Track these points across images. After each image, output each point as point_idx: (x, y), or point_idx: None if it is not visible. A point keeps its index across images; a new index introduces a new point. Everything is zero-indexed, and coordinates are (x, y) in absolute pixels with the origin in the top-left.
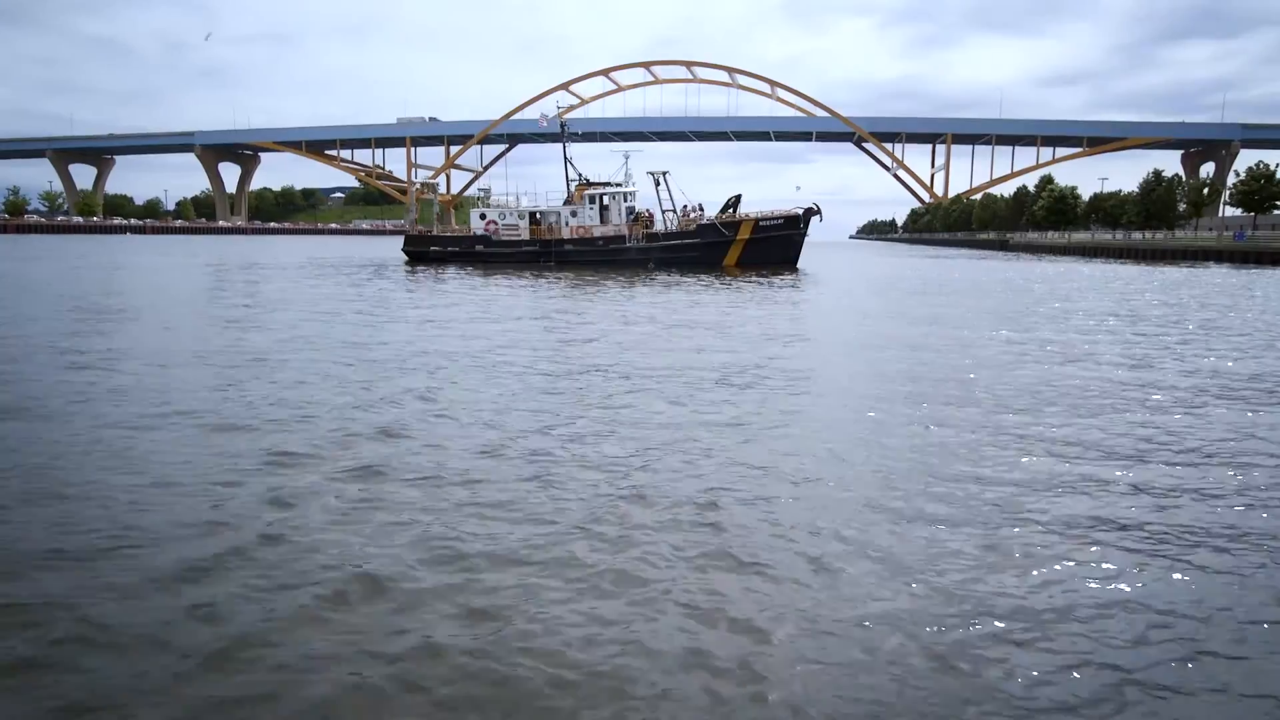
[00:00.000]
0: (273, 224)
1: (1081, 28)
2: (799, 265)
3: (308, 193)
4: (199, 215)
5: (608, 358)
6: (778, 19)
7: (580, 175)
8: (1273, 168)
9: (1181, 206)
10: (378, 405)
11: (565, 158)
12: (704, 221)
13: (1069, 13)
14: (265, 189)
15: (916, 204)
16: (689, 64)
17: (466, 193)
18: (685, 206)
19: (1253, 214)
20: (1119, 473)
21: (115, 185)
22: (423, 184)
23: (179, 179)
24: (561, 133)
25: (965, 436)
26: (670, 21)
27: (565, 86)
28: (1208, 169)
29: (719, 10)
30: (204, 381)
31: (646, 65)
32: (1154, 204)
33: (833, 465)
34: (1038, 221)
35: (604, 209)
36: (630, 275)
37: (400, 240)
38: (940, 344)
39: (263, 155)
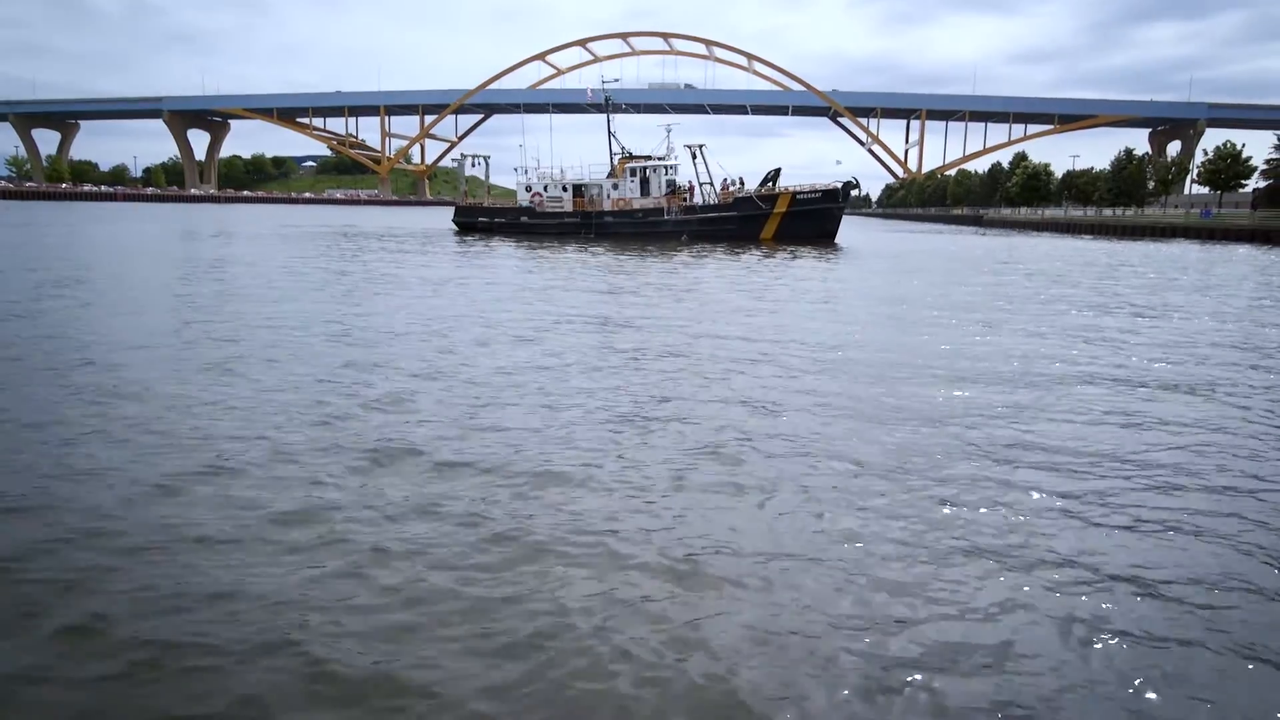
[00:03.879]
0: (245, 192)
1: (1053, 6)
2: (837, 240)
3: (278, 161)
4: (168, 183)
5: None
6: None
7: (624, 148)
8: (1239, 147)
9: (1150, 184)
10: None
11: (609, 131)
12: (742, 195)
13: None
14: (235, 157)
15: (890, 179)
16: (666, 35)
17: (440, 163)
18: (725, 180)
19: (1219, 192)
20: None
21: (79, 151)
22: (468, 156)
23: (145, 145)
24: (606, 106)
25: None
26: None
27: (541, 57)
28: (1174, 147)
29: None
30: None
31: (623, 36)
32: (1125, 182)
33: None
34: (1011, 198)
35: (645, 182)
36: (663, 246)
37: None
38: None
39: (233, 123)
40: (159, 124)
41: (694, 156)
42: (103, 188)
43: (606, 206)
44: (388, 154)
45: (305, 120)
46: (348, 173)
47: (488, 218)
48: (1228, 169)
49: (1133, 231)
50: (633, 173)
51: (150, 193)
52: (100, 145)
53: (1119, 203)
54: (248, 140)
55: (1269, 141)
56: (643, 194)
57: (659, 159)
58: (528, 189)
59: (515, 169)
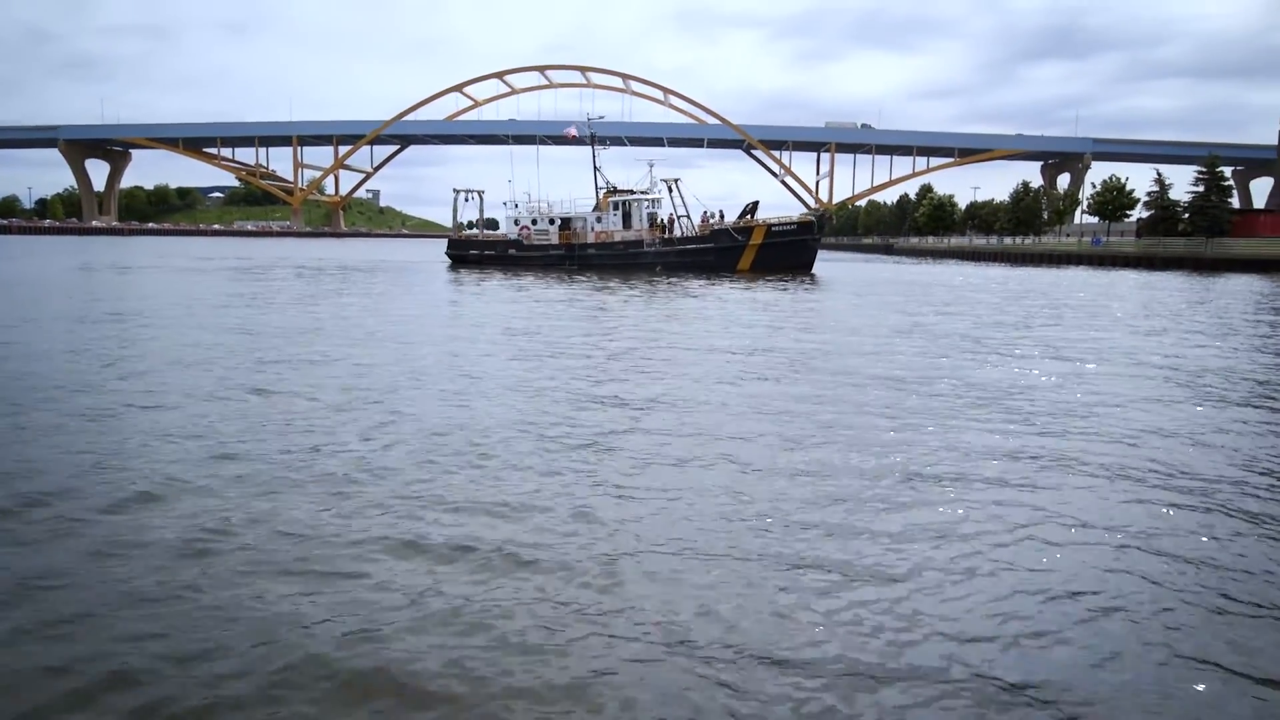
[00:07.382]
0: (150, 224)
1: (952, 45)
2: (814, 271)
3: (183, 192)
4: (67, 215)
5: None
6: (669, 28)
7: (608, 183)
8: (1124, 180)
9: (1045, 214)
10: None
11: (595, 166)
12: (719, 227)
13: (941, 31)
14: (137, 187)
15: (803, 209)
16: (583, 69)
17: (355, 194)
18: (705, 212)
19: (1107, 221)
20: None
21: None
22: (460, 191)
23: (39, 175)
24: (590, 141)
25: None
26: (564, 28)
27: (459, 88)
28: (1064, 179)
29: (612, 18)
30: None
31: (541, 69)
32: (1023, 212)
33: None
34: (919, 227)
35: (627, 215)
36: (641, 278)
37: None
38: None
39: (134, 153)
40: (54, 153)
41: (669, 190)
42: None
43: (590, 239)
44: (300, 185)
45: (213, 150)
46: (258, 204)
47: (478, 250)
48: (1114, 200)
49: (1033, 259)
50: (616, 206)
51: (48, 225)
52: None
53: (1019, 231)
54: (151, 170)
55: (1149, 174)
56: (625, 227)
57: (642, 192)
58: (515, 222)
59: (504, 203)
